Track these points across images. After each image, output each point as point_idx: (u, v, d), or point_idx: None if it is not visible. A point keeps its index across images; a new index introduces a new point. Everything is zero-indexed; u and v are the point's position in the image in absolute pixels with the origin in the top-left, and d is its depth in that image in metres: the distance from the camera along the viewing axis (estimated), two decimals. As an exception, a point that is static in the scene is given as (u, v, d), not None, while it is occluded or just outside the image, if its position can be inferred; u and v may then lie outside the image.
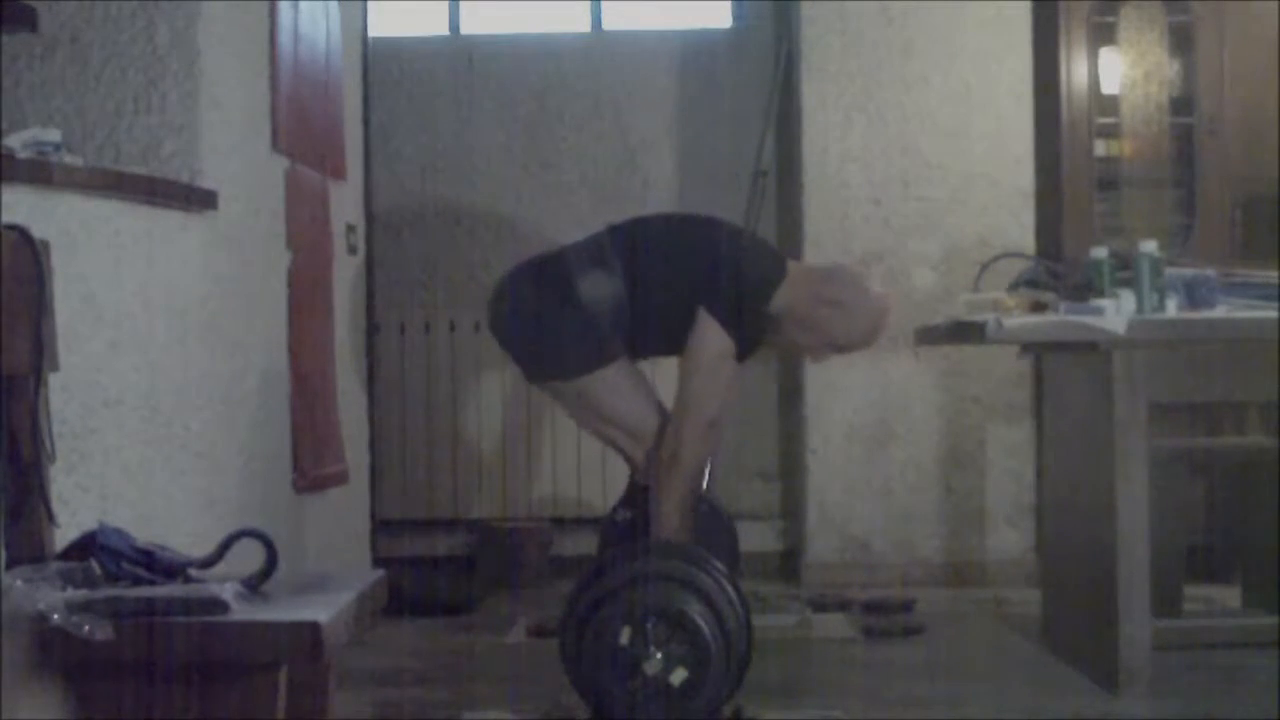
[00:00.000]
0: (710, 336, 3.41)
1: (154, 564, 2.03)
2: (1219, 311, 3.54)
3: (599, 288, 3.44)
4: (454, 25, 5.80)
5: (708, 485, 3.82)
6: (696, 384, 3.42)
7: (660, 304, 3.46)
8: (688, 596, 3.07)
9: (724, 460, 4.68)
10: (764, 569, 5.26)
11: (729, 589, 3.16)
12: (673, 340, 3.48)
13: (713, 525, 3.67)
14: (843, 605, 4.61)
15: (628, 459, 3.58)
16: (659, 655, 2.99)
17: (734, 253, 3.50)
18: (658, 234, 3.58)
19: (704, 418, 3.42)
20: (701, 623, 3.02)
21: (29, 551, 2.03)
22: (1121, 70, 5.16)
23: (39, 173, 2.76)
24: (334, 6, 4.31)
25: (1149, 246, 3.55)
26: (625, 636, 3.00)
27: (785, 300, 3.50)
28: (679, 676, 3.00)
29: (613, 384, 3.46)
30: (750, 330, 3.48)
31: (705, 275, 3.44)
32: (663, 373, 3.71)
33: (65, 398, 2.66)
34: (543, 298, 3.49)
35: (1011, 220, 5.09)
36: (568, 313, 3.45)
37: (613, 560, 3.26)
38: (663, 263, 3.49)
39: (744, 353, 3.50)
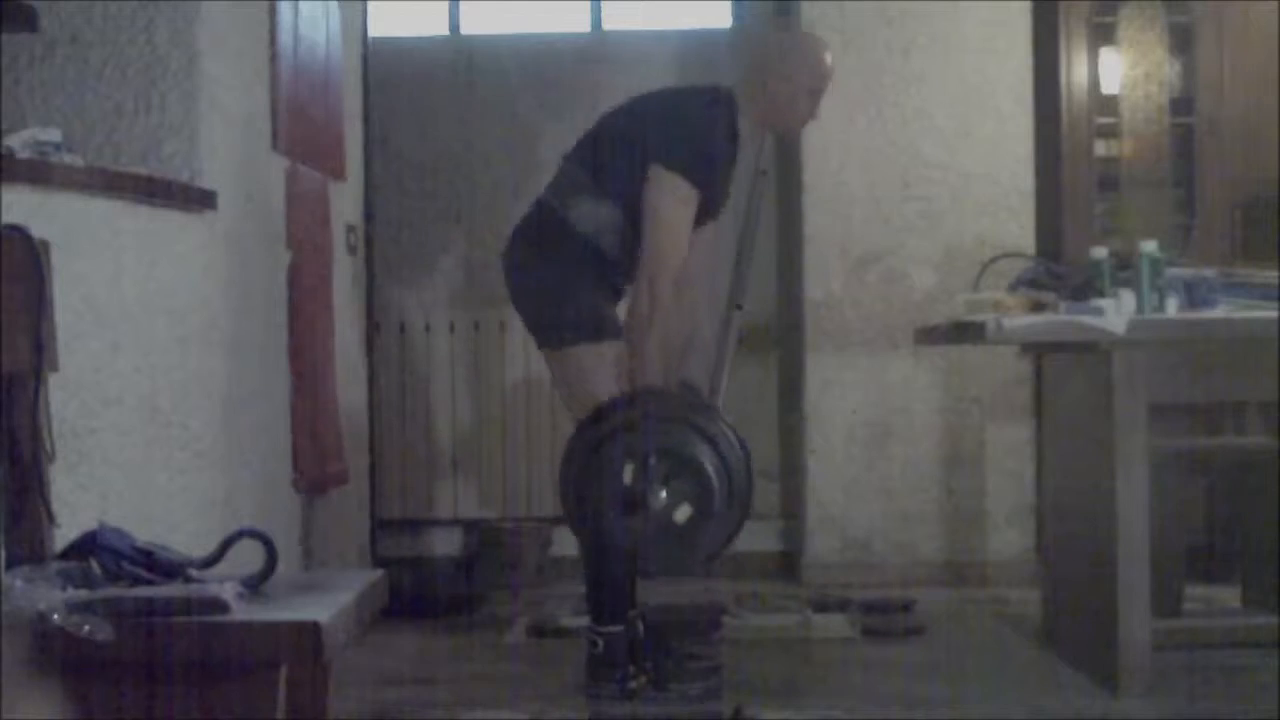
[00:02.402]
0: (666, 186, 3.35)
1: (154, 564, 2.03)
2: (1219, 311, 3.54)
3: (588, 214, 3.40)
4: (454, 25, 5.80)
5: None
6: (660, 237, 3.35)
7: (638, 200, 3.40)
8: (690, 435, 3.02)
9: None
10: (764, 569, 5.26)
11: (728, 431, 3.11)
12: None
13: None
14: (843, 605, 4.60)
15: None
16: (663, 492, 2.94)
17: (678, 107, 3.48)
18: (609, 131, 3.53)
19: (671, 270, 3.35)
20: (704, 460, 2.97)
21: (29, 551, 2.03)
22: (1121, 70, 5.16)
23: (39, 173, 2.76)
24: (334, 6, 4.32)
25: (1149, 246, 3.56)
26: (628, 475, 2.96)
27: (750, 115, 3.51)
28: (683, 514, 2.96)
29: (609, 359, 3.38)
30: (715, 175, 3.43)
31: (652, 138, 3.39)
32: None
33: (65, 398, 2.66)
34: (542, 246, 3.44)
35: (1011, 220, 5.09)
36: (571, 270, 3.39)
37: (612, 405, 3.19)
38: (626, 154, 3.42)
39: (712, 200, 3.45)
